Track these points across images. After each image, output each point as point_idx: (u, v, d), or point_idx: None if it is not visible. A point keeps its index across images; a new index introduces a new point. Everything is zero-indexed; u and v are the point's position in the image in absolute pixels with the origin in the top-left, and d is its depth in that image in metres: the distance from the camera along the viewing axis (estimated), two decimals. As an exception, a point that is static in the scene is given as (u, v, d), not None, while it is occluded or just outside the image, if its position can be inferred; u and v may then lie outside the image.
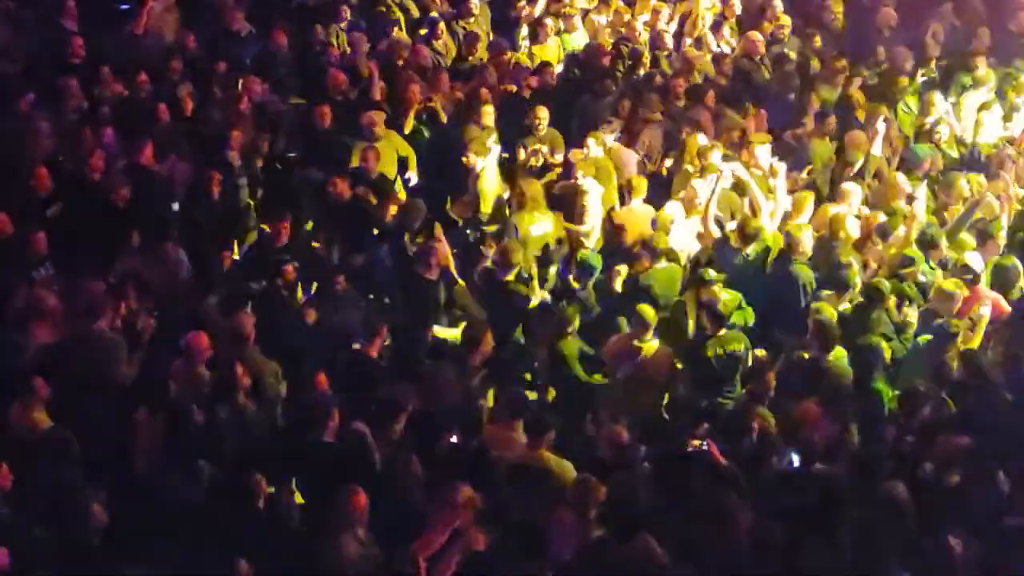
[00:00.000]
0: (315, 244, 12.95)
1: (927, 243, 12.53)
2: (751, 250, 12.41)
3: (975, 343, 11.56)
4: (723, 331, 11.28)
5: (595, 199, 13.57)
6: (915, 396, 10.37)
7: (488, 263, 12.64)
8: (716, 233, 12.74)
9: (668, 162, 14.42)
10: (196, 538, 8.89)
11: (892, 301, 11.81)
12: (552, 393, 11.62)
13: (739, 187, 13.28)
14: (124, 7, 15.98)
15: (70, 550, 8.62)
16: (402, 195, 13.54)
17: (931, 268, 12.39)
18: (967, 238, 12.71)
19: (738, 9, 17.59)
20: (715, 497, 9.05)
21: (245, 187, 13.24)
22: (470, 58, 16.11)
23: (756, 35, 16.61)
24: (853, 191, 13.40)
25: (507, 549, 8.62)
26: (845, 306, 11.90)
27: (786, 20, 17.25)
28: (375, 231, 12.91)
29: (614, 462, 9.62)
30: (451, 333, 11.77)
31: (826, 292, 12.13)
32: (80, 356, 10.53)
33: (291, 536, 9.08)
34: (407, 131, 14.23)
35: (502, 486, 9.49)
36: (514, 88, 15.40)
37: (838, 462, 9.73)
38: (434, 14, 16.80)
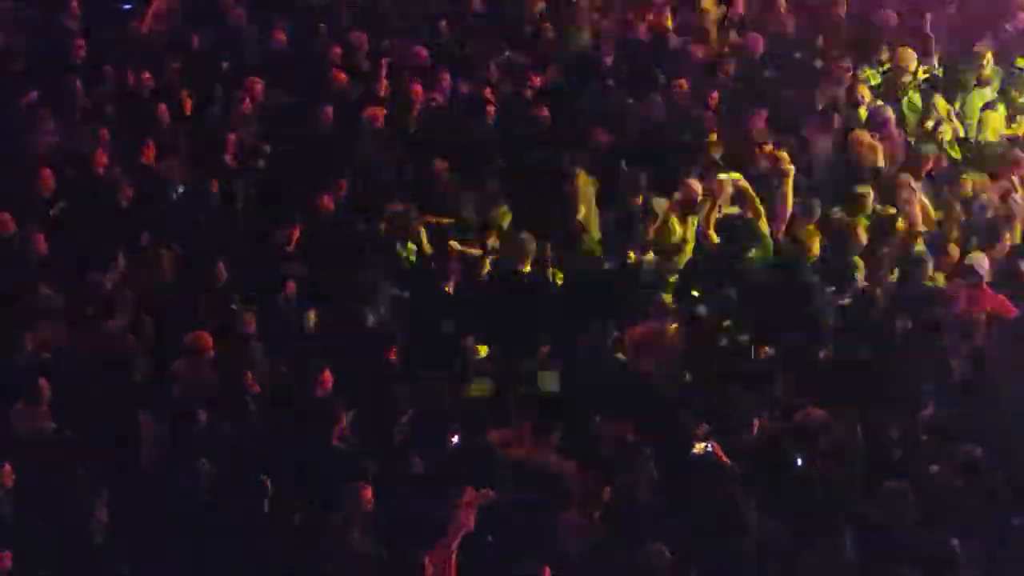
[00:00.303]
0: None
1: (937, 248, 12.49)
2: (753, 254, 12.42)
3: (976, 342, 11.54)
4: None
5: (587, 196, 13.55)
6: (917, 396, 10.36)
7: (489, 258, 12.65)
8: (716, 238, 12.71)
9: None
10: (199, 538, 8.90)
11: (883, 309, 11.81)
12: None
13: (741, 193, 13.26)
14: (127, 7, 16.00)
15: (71, 550, 8.63)
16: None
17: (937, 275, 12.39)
18: (974, 242, 12.70)
19: (742, 8, 17.56)
20: (719, 497, 9.04)
21: (242, 189, 13.22)
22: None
23: (759, 35, 16.59)
24: (867, 193, 13.39)
25: (511, 549, 8.63)
26: (847, 301, 11.88)
27: (789, 19, 17.21)
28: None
29: (619, 462, 9.61)
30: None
31: (828, 289, 12.13)
32: (93, 355, 10.54)
33: (297, 535, 9.07)
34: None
35: (506, 486, 9.48)
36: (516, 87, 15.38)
37: (841, 462, 9.72)
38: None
